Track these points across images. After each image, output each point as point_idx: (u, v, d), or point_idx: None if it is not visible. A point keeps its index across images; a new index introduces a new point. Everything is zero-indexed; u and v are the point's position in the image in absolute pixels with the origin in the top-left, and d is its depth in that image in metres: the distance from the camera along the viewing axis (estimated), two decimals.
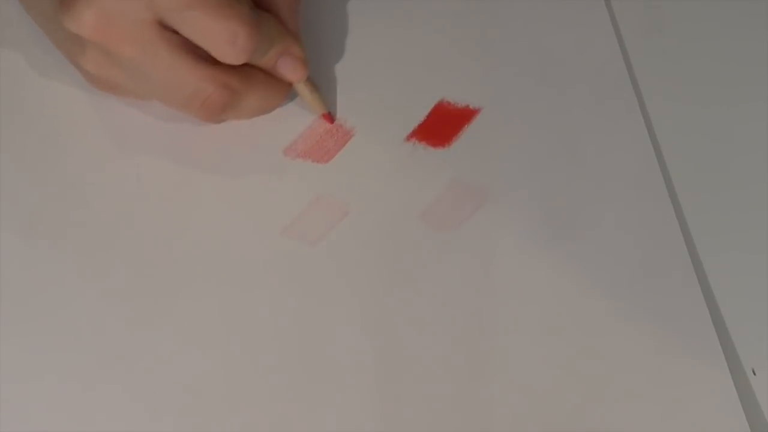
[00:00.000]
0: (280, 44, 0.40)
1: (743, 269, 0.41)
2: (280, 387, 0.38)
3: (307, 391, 0.38)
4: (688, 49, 0.47)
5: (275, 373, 0.38)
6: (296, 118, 0.43)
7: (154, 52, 0.37)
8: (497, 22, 0.47)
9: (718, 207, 0.43)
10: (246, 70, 0.39)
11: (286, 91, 0.42)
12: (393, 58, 0.45)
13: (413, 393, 0.38)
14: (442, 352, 0.39)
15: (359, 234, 0.41)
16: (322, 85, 0.44)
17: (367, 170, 0.42)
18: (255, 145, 0.42)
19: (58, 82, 0.43)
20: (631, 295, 0.40)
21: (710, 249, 0.42)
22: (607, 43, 0.46)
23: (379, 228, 0.41)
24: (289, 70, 0.40)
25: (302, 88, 0.42)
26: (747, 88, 0.46)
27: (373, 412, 0.37)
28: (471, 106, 0.44)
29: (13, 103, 0.42)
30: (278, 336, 0.39)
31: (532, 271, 0.41)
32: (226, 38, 0.36)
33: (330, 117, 0.43)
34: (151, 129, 0.40)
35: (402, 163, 0.43)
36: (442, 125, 0.44)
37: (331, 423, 0.37)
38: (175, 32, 0.37)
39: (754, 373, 0.39)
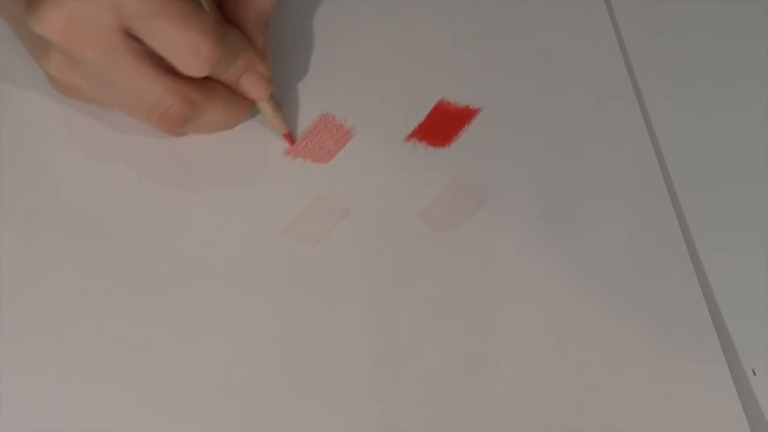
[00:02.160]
0: (245, 60, 0.39)
1: (743, 269, 0.41)
2: (280, 387, 0.38)
3: (307, 391, 0.38)
4: (688, 48, 0.47)
5: (275, 373, 0.38)
6: (296, 118, 0.43)
7: (117, 59, 0.36)
8: (497, 22, 0.47)
9: (718, 206, 0.43)
10: (208, 84, 0.39)
11: (248, 108, 0.41)
12: (393, 58, 0.45)
13: (413, 393, 0.38)
14: (442, 351, 0.39)
15: (359, 234, 0.41)
16: (322, 84, 0.44)
17: (367, 170, 0.42)
18: (255, 145, 0.42)
19: None
20: (631, 295, 0.40)
21: (710, 249, 0.42)
22: (607, 43, 0.46)
23: (379, 228, 0.41)
24: (252, 87, 0.40)
25: (265, 106, 0.41)
26: (747, 87, 0.46)
27: (374, 412, 0.37)
28: (471, 106, 0.44)
29: (13, 103, 0.42)
30: (278, 336, 0.39)
31: (531, 271, 0.41)
32: (190, 49, 0.36)
33: (291, 138, 0.42)
34: (151, 130, 0.40)
35: (402, 163, 0.43)
36: (442, 125, 0.44)
37: (332, 423, 0.37)
38: (141, 42, 0.37)
39: (754, 373, 0.39)
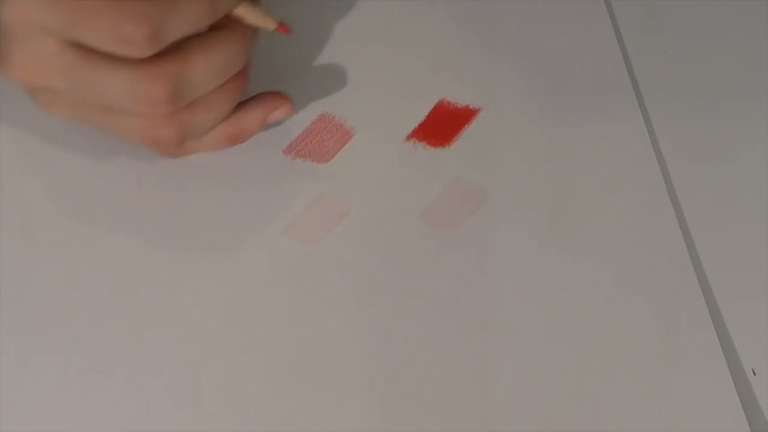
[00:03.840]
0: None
1: (743, 269, 0.41)
2: (279, 387, 0.38)
3: (307, 391, 0.38)
4: (688, 48, 0.47)
5: (275, 373, 0.38)
6: (296, 118, 0.43)
7: (79, 74, 0.36)
8: (497, 22, 0.47)
9: (718, 207, 0.43)
10: (182, 50, 0.37)
11: (237, 87, 0.39)
12: (393, 58, 0.45)
13: (413, 393, 0.38)
14: (441, 351, 0.39)
15: (359, 234, 0.41)
16: (321, 85, 0.44)
17: (367, 170, 0.42)
18: (255, 145, 0.42)
19: None
20: (631, 295, 0.40)
21: (710, 249, 0.42)
22: (607, 43, 0.46)
23: (379, 228, 0.41)
24: None
25: (244, 10, 0.38)
26: (747, 87, 0.46)
27: (374, 412, 0.37)
28: (471, 106, 0.44)
29: (13, 103, 0.42)
30: (278, 336, 0.39)
31: (531, 271, 0.41)
32: (119, 41, 0.35)
33: (284, 27, 0.39)
34: None
35: (402, 163, 0.43)
36: (442, 125, 0.44)
37: (332, 423, 0.37)
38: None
39: (754, 373, 0.39)
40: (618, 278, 0.41)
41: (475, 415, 0.38)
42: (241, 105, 0.41)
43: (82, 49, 0.36)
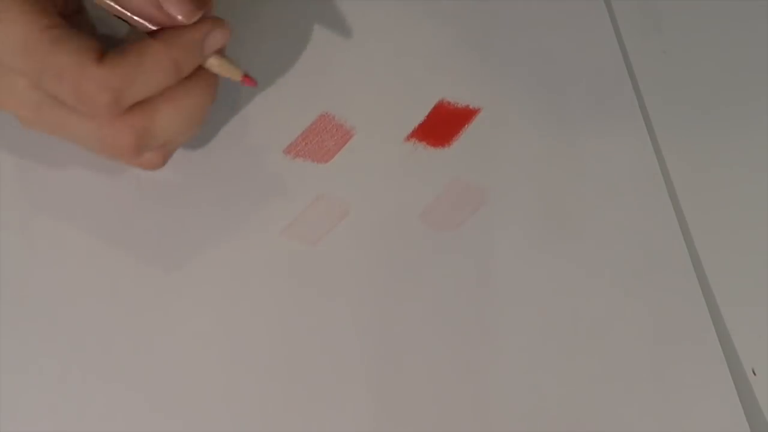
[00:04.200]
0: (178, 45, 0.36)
1: (743, 270, 0.41)
2: (279, 387, 0.38)
3: (307, 392, 0.38)
4: (688, 48, 0.47)
5: (275, 373, 0.38)
6: (296, 118, 0.43)
7: (46, 111, 0.36)
8: (497, 22, 0.47)
9: (718, 207, 0.43)
10: (149, 101, 0.37)
11: (203, 95, 0.38)
12: (393, 58, 0.45)
13: (414, 392, 0.38)
14: (442, 351, 0.39)
15: (359, 234, 0.41)
16: (322, 84, 0.44)
17: (367, 170, 0.42)
18: (255, 145, 0.42)
19: None
20: (631, 295, 0.40)
21: (710, 249, 0.42)
22: (607, 43, 0.46)
23: (379, 228, 0.41)
24: (173, 5, 0.36)
25: (212, 63, 0.38)
26: (747, 87, 0.46)
27: (374, 412, 0.37)
28: (471, 106, 0.44)
29: None
30: (278, 335, 0.39)
31: (531, 271, 0.41)
32: (81, 103, 0.35)
33: (249, 79, 0.39)
34: None
35: (402, 163, 0.43)
36: (442, 125, 0.44)
37: (331, 422, 0.37)
38: None
39: (754, 373, 0.39)
40: (618, 278, 0.41)
41: (475, 414, 0.38)
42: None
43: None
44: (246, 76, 0.39)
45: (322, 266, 0.40)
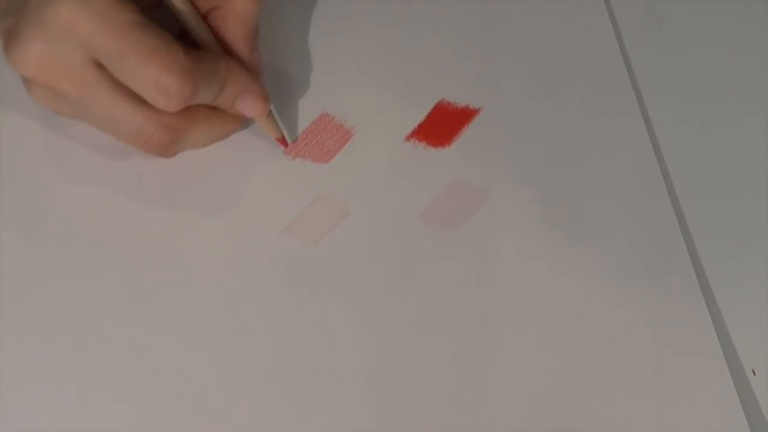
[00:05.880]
0: (235, 84, 0.39)
1: (743, 269, 0.41)
2: (279, 387, 0.38)
3: (306, 392, 0.38)
4: (688, 48, 0.47)
5: (275, 373, 0.38)
6: (296, 118, 0.43)
7: (93, 92, 0.37)
8: (497, 22, 0.47)
9: (718, 207, 0.43)
10: (190, 108, 0.38)
11: (235, 122, 0.41)
12: (393, 58, 0.45)
13: (414, 392, 0.38)
14: (442, 351, 0.39)
15: (359, 234, 0.41)
16: (322, 84, 0.44)
17: (367, 170, 0.42)
18: (255, 145, 0.42)
19: None
20: (631, 295, 0.40)
21: (710, 249, 0.42)
22: (607, 43, 0.46)
23: (379, 228, 0.41)
24: (250, 108, 0.40)
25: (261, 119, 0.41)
26: (747, 87, 0.46)
27: (374, 412, 0.37)
28: (471, 106, 0.44)
29: (13, 103, 0.42)
30: (278, 335, 0.39)
31: (531, 271, 0.41)
32: (157, 87, 0.36)
33: (284, 141, 0.42)
34: None
35: (402, 163, 0.43)
36: (442, 125, 0.44)
37: (331, 422, 0.37)
38: None
39: (754, 373, 0.39)
40: (618, 278, 0.41)
41: (475, 413, 0.38)
42: None
43: (106, 71, 0.36)
44: (282, 138, 0.42)
45: (322, 266, 0.40)
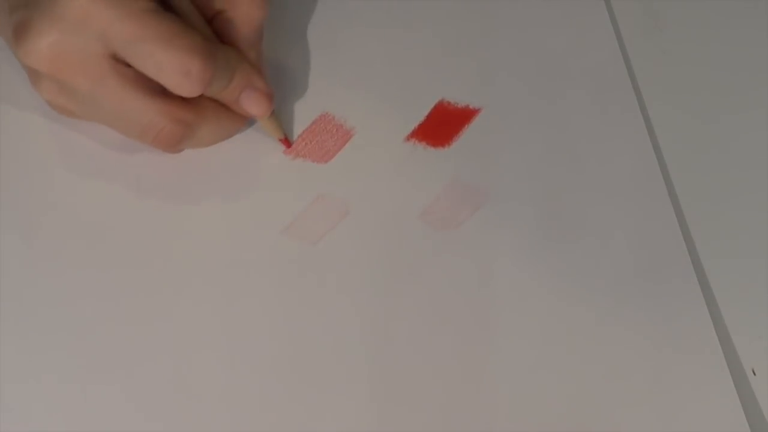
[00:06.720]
0: (242, 77, 0.39)
1: (743, 270, 0.41)
2: (279, 387, 0.38)
3: (306, 391, 0.38)
4: (688, 48, 0.47)
5: (274, 374, 0.38)
6: (296, 118, 0.43)
7: (105, 85, 0.37)
8: (497, 22, 0.47)
9: (719, 207, 0.43)
10: (200, 102, 0.39)
11: (242, 120, 0.41)
12: (393, 58, 0.45)
13: (413, 393, 0.38)
14: (441, 351, 0.39)
15: (359, 234, 0.41)
16: (322, 84, 0.44)
17: (367, 170, 0.42)
18: (255, 145, 0.42)
19: None
20: (631, 296, 0.40)
21: (710, 249, 0.42)
22: (607, 43, 0.46)
23: (379, 228, 0.41)
24: (253, 104, 0.40)
25: (264, 119, 0.41)
26: (747, 87, 0.46)
27: (372, 412, 0.37)
28: (471, 106, 0.44)
29: (14, 104, 0.42)
30: (278, 335, 0.39)
31: (531, 272, 0.41)
32: (180, 70, 0.36)
33: (287, 142, 0.42)
34: None
35: (402, 163, 0.43)
36: (442, 125, 0.44)
37: (330, 422, 0.37)
38: (129, 66, 0.37)
39: (754, 373, 0.39)
40: (617, 278, 0.41)
41: (474, 415, 0.38)
42: None
43: (119, 63, 0.36)
44: (285, 138, 0.42)
45: (322, 266, 0.40)
